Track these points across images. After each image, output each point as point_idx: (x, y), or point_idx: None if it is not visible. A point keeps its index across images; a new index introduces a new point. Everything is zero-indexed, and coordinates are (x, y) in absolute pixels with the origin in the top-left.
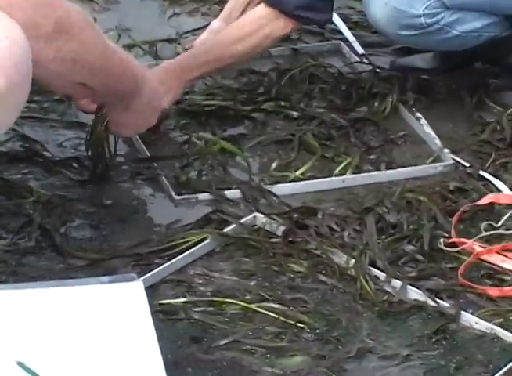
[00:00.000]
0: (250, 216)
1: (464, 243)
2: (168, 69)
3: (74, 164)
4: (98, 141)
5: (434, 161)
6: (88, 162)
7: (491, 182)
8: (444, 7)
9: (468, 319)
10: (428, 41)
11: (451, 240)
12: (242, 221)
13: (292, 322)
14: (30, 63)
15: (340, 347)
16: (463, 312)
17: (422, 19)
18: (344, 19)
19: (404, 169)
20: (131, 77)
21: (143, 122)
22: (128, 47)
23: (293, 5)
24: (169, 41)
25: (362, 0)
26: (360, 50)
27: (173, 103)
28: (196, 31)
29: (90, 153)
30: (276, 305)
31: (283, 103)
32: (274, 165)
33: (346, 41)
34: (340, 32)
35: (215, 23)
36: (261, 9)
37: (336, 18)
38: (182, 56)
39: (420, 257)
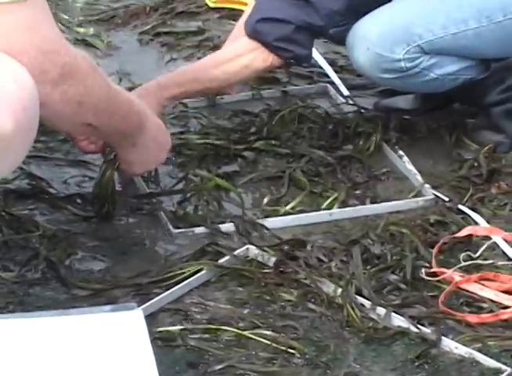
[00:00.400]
0: (243, 248)
1: (444, 272)
2: (147, 86)
3: (78, 200)
4: (107, 184)
5: (415, 196)
6: (92, 200)
7: (469, 216)
8: (422, 52)
9: (448, 344)
10: (408, 83)
11: (432, 270)
12: (235, 253)
13: (283, 348)
14: (38, 107)
15: (328, 371)
16: (443, 337)
17: (402, 64)
18: (331, 63)
19: (387, 203)
20: (134, 115)
21: (152, 158)
22: (129, 90)
23: (273, 37)
24: None
25: (346, 45)
26: (346, 92)
27: None
28: None
29: (98, 195)
30: (268, 332)
31: (273, 142)
32: (265, 200)
33: (332, 83)
34: (327, 75)
35: None
36: (244, 40)
37: (323, 62)
38: (163, 76)
39: (403, 286)
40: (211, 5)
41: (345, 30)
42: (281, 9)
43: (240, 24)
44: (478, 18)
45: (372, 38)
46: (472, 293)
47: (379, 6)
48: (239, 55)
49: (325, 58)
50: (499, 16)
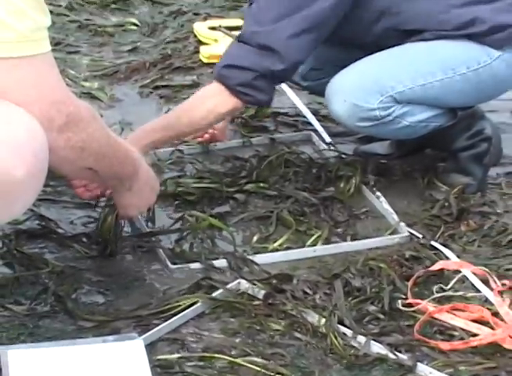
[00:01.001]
0: (235, 282)
1: (419, 303)
2: (131, 136)
3: (84, 240)
4: (108, 229)
5: (392, 233)
6: (96, 241)
7: (441, 251)
8: (395, 102)
9: (423, 369)
10: (383, 130)
11: (407, 301)
12: (228, 286)
13: (272, 374)
14: (47, 154)
15: None
16: (418, 363)
17: (376, 113)
18: (314, 113)
19: (366, 240)
20: (130, 161)
21: (145, 201)
22: None
23: (236, 82)
24: None
25: (325, 97)
26: (328, 139)
27: None
28: None
29: (101, 238)
30: (258, 359)
31: (262, 185)
32: (255, 238)
33: (316, 131)
34: (310, 124)
35: None
36: (211, 85)
37: (306, 112)
38: (144, 125)
39: (381, 316)
40: (205, 60)
41: (324, 83)
42: (247, 57)
43: None
44: (444, 70)
45: (348, 91)
46: (444, 322)
47: (349, 60)
48: (206, 98)
49: (308, 108)
50: (462, 68)
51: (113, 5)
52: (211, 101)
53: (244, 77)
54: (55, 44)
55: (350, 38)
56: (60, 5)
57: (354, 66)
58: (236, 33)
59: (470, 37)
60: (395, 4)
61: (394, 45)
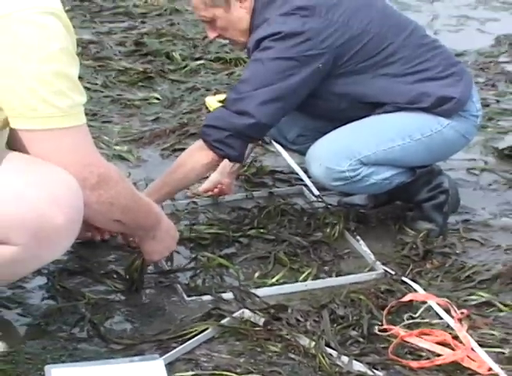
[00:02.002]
0: (240, 311)
1: (392, 329)
2: (145, 191)
3: (115, 277)
4: (135, 269)
5: (369, 271)
6: (125, 278)
7: (410, 285)
8: (362, 164)
9: None
10: (354, 188)
11: (383, 327)
12: (234, 315)
13: None
14: (82, 206)
15: None
16: None
17: (347, 174)
18: (305, 171)
19: (349, 276)
20: (153, 214)
21: (167, 248)
22: None
23: (213, 138)
24: None
25: (305, 162)
26: (316, 192)
27: None
28: (202, 180)
29: (129, 277)
30: None
31: (262, 230)
32: (256, 275)
33: (306, 186)
34: (302, 180)
35: (214, 175)
36: (197, 142)
37: (298, 170)
38: (155, 181)
39: (361, 339)
40: None
41: (308, 147)
42: (223, 118)
43: None
44: (402, 137)
45: (322, 157)
46: (413, 344)
47: (327, 129)
48: (192, 153)
49: (300, 167)
50: (417, 135)
51: (140, 83)
52: (196, 155)
53: (219, 135)
54: (92, 115)
55: (325, 112)
56: (97, 84)
57: (327, 136)
58: None
59: (423, 109)
60: (358, 85)
61: (363, 116)
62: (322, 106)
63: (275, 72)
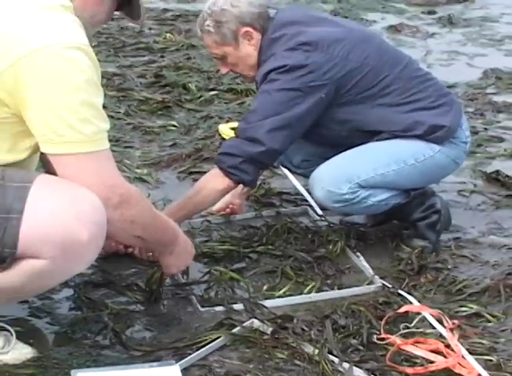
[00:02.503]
0: (249, 321)
1: (389, 338)
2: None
3: (135, 289)
4: (154, 282)
5: (368, 284)
6: (145, 291)
7: (406, 298)
8: (360, 187)
9: None
10: (353, 209)
11: (381, 336)
12: (244, 324)
13: None
14: (106, 223)
15: None
16: None
17: (346, 196)
18: (309, 192)
19: (349, 289)
20: (170, 230)
21: (183, 262)
22: None
23: (228, 165)
24: None
25: (309, 185)
26: (320, 212)
27: None
28: None
29: (148, 289)
30: None
31: (270, 247)
32: (265, 287)
33: (310, 206)
34: (306, 200)
35: (226, 196)
36: (212, 169)
37: (303, 191)
38: (172, 204)
39: (360, 347)
40: None
41: (312, 171)
42: (236, 146)
43: None
44: (397, 162)
45: (324, 180)
46: (409, 352)
47: (329, 154)
48: (208, 179)
49: (305, 188)
50: (411, 160)
51: (159, 112)
52: (212, 182)
53: (233, 161)
54: (115, 140)
55: (327, 139)
56: (120, 112)
57: (329, 161)
58: None
59: (416, 136)
60: (357, 114)
61: (361, 143)
62: (325, 134)
63: (282, 102)
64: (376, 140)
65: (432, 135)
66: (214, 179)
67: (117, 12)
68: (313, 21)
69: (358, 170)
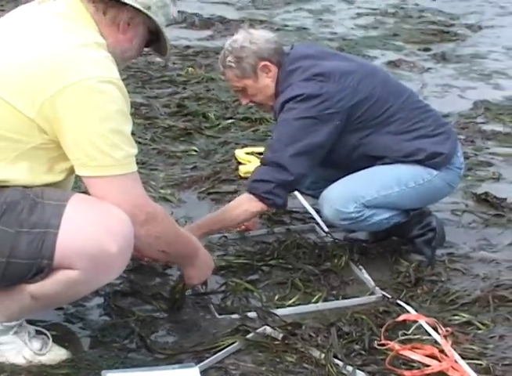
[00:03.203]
0: (262, 328)
1: (389, 343)
2: (189, 227)
3: (159, 297)
4: (177, 292)
5: (370, 295)
6: (168, 300)
7: (404, 307)
8: (365, 207)
9: None
10: (358, 226)
11: (381, 342)
12: (257, 331)
13: None
14: (133, 237)
15: None
16: None
17: (352, 215)
18: (316, 211)
19: (353, 299)
20: (191, 245)
21: (204, 274)
22: None
23: (262, 191)
24: None
25: (318, 204)
26: (326, 229)
27: None
28: None
29: (171, 298)
30: None
31: (281, 261)
32: (276, 297)
33: (317, 224)
34: (314, 219)
35: None
36: (244, 194)
37: (311, 210)
38: (199, 221)
39: (363, 352)
40: (242, 175)
41: (320, 192)
42: (267, 173)
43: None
44: (399, 185)
45: (333, 200)
46: (407, 357)
47: (336, 177)
48: (242, 203)
49: (313, 208)
50: (412, 183)
51: (181, 138)
52: (246, 204)
53: (267, 187)
54: (142, 164)
55: (336, 162)
56: (146, 138)
57: (337, 183)
58: None
59: (417, 161)
60: (364, 139)
61: (366, 167)
62: (334, 158)
63: (301, 129)
64: (380, 164)
65: (431, 160)
66: (248, 203)
67: (145, 49)
68: (325, 55)
69: (363, 191)
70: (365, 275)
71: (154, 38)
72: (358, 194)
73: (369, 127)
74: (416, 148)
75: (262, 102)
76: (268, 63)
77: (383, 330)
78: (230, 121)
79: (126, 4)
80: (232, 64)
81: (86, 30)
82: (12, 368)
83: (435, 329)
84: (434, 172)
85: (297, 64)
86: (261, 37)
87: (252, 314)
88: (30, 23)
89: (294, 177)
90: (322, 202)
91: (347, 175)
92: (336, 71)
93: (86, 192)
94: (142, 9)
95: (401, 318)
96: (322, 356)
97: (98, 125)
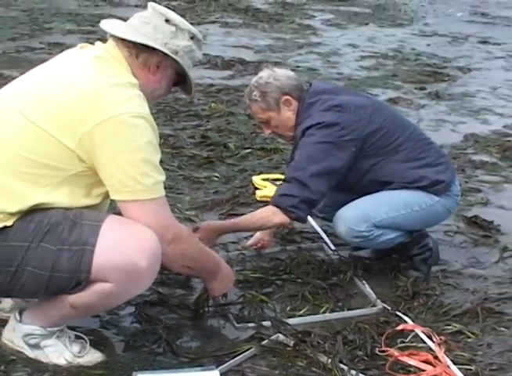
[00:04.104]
0: (276, 336)
1: (389, 350)
2: (206, 222)
3: (184, 307)
4: (200, 303)
5: (372, 306)
6: (192, 308)
7: (402, 318)
8: (375, 227)
9: None
10: (367, 244)
11: (382, 349)
12: (271, 338)
13: None
14: (161, 254)
15: None
16: None
17: (364, 233)
18: (325, 231)
19: (357, 310)
20: (214, 260)
21: (225, 287)
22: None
23: (288, 204)
24: (233, 242)
25: (333, 222)
26: (333, 248)
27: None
28: (248, 237)
29: (196, 307)
30: None
31: (292, 275)
32: (288, 308)
33: (326, 243)
34: (322, 238)
35: (258, 234)
36: (269, 206)
37: (320, 230)
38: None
39: (365, 358)
40: (259, 199)
41: (332, 215)
42: (291, 189)
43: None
44: (405, 209)
45: (346, 219)
46: (404, 362)
47: (347, 201)
48: (266, 214)
49: (322, 228)
50: (416, 207)
51: (204, 166)
52: (271, 216)
53: (292, 201)
54: (170, 188)
55: (348, 186)
56: (173, 166)
57: (350, 204)
58: (278, 182)
59: (420, 188)
60: (375, 166)
61: (375, 191)
62: (347, 183)
63: (320, 153)
64: (388, 189)
65: (433, 187)
66: (273, 215)
67: (173, 87)
68: (340, 91)
69: (374, 213)
70: (367, 289)
71: (181, 79)
72: (369, 215)
73: (379, 155)
74: (420, 175)
75: (283, 133)
76: (289, 98)
77: (383, 338)
78: (248, 150)
79: (156, 49)
80: (258, 98)
81: (121, 72)
82: (55, 368)
83: (430, 337)
84: (436, 198)
85: (316, 97)
86: (283, 75)
87: (267, 323)
88: (73, 64)
89: (315, 195)
90: (337, 221)
91: (358, 198)
92: (351, 104)
93: (120, 213)
94: (169, 53)
95: (399, 327)
96: (329, 361)
97: (130, 156)
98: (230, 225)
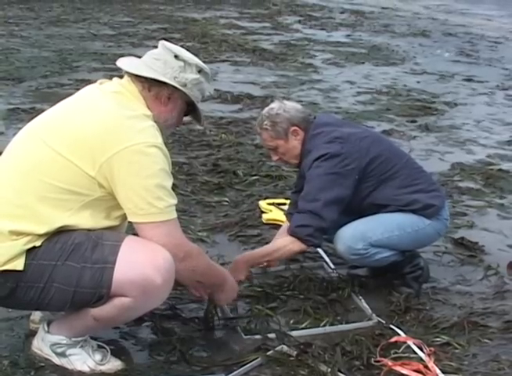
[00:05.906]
0: (280, 346)
1: (383, 360)
2: (241, 256)
3: (196, 320)
4: (210, 313)
5: (368, 320)
6: (203, 320)
7: (395, 331)
8: (371, 246)
9: None
10: (364, 261)
11: (377, 359)
12: (276, 349)
13: None
14: (174, 271)
15: None
16: None
17: (361, 252)
18: (325, 251)
19: (354, 324)
20: (221, 274)
21: (230, 297)
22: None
23: (305, 234)
24: None
25: (333, 242)
26: (332, 266)
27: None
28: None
29: (205, 319)
30: None
31: (296, 292)
32: (291, 321)
33: (325, 262)
34: (322, 258)
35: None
36: (288, 237)
37: (320, 251)
38: (248, 253)
39: (362, 367)
40: (265, 221)
41: (332, 236)
42: (305, 219)
43: (283, 228)
44: (399, 229)
45: (346, 238)
46: (398, 371)
47: (349, 220)
48: (287, 244)
49: (322, 249)
50: (409, 229)
51: (215, 191)
52: (290, 245)
53: (308, 231)
54: (183, 211)
55: (349, 209)
56: (187, 191)
57: (350, 224)
58: (282, 206)
59: (413, 211)
60: (374, 191)
61: (373, 213)
62: (348, 206)
63: (327, 183)
64: (384, 212)
65: (425, 211)
66: (292, 244)
67: (186, 118)
68: (342, 124)
69: (370, 233)
70: (364, 304)
71: (191, 109)
72: (366, 235)
73: (378, 180)
74: (413, 199)
75: (288, 159)
76: (297, 128)
77: (378, 349)
78: (255, 177)
79: (166, 83)
80: (268, 127)
81: (136, 104)
82: (79, 374)
83: (421, 348)
84: (427, 221)
85: (319, 130)
86: (292, 107)
87: (272, 335)
88: (92, 99)
89: (327, 222)
90: (337, 239)
91: (356, 220)
92: (352, 136)
93: (137, 234)
94: (178, 86)
95: (393, 339)
96: (329, 370)
97: (145, 181)
98: (262, 258)
